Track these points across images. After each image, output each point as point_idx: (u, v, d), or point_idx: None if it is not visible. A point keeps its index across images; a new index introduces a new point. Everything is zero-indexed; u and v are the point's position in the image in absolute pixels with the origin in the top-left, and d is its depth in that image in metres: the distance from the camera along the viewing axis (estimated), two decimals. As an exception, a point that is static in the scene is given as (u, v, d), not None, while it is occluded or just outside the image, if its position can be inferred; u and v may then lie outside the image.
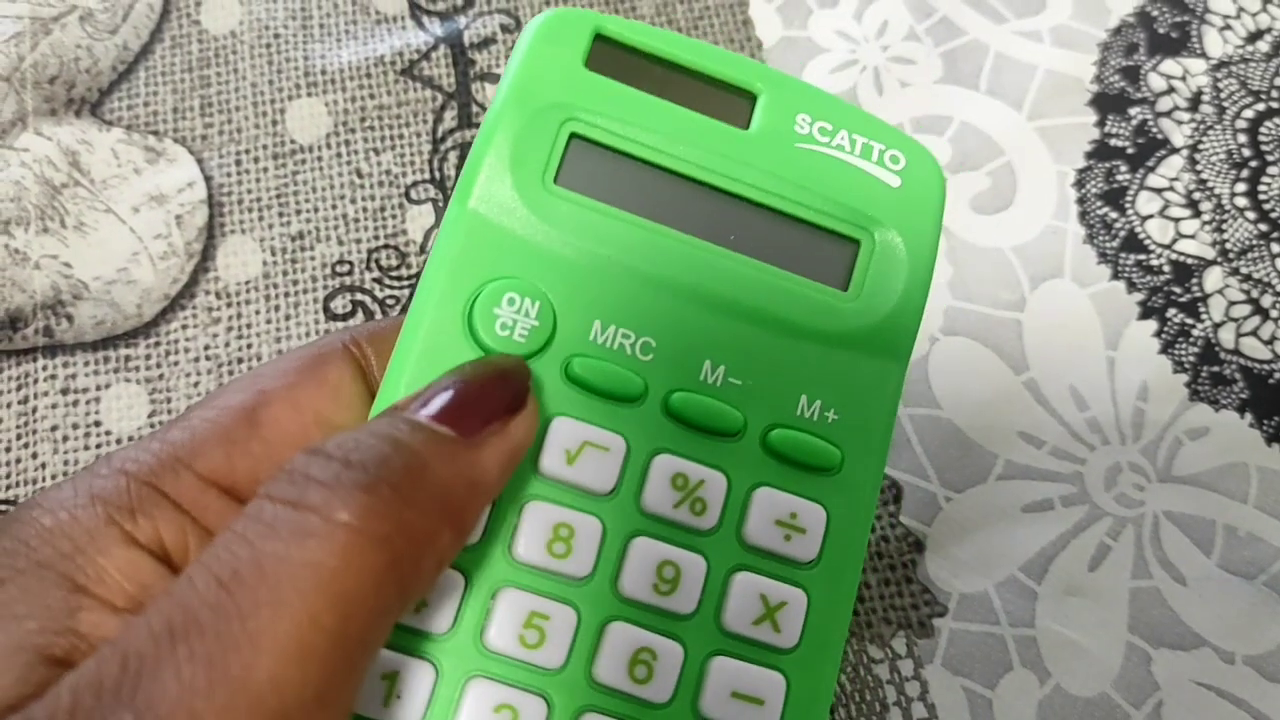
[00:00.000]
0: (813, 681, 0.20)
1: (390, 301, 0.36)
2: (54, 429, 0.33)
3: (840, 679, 0.32)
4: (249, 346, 0.35)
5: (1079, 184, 0.38)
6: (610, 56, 0.22)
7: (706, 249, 0.21)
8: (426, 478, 0.17)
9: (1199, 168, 0.39)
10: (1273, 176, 0.39)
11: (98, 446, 0.33)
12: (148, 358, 0.34)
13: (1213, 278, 0.37)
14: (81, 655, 0.17)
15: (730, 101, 0.22)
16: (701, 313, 0.21)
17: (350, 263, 0.36)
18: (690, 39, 0.23)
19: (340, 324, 0.35)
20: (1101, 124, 0.39)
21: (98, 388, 0.34)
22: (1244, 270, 0.37)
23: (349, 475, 0.16)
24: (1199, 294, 0.37)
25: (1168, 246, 0.38)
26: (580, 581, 0.20)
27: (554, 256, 0.21)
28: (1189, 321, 0.36)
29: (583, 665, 0.19)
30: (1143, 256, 0.37)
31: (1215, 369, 0.36)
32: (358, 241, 0.36)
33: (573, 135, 0.21)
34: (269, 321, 0.35)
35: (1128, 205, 0.38)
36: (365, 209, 0.37)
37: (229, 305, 0.35)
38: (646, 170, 0.21)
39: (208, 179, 0.37)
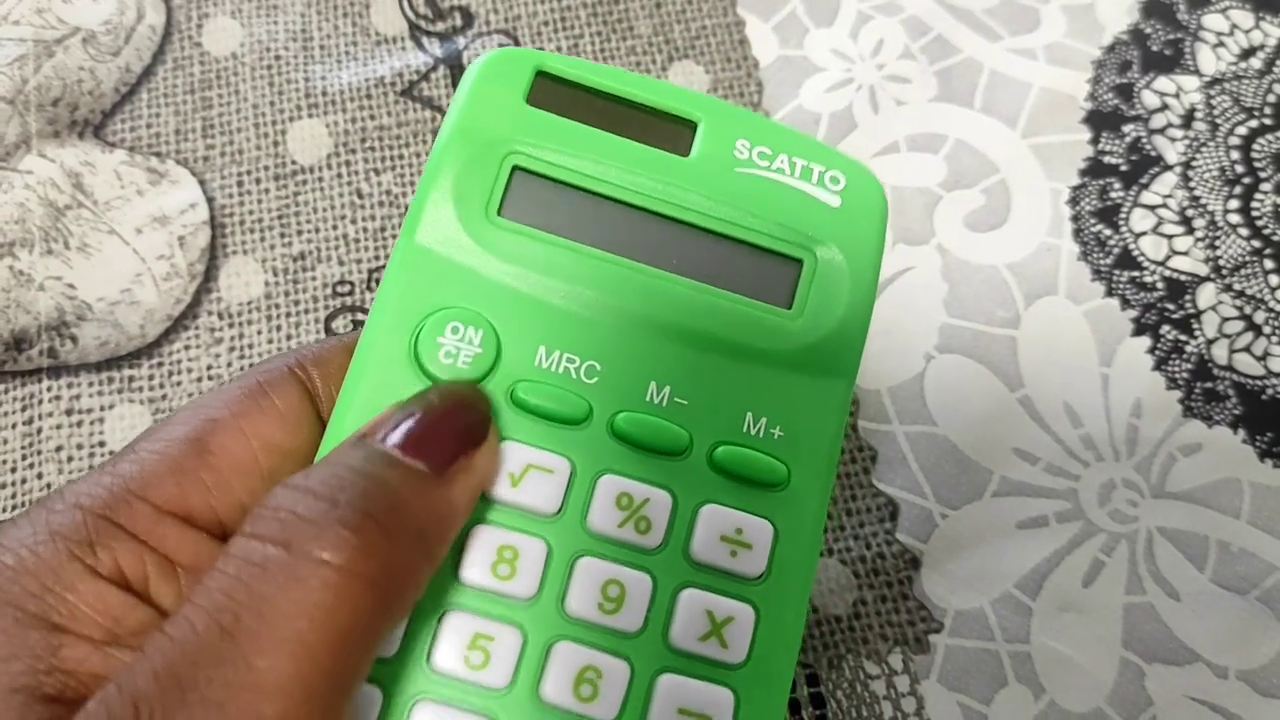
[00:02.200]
0: (763, 697, 0.20)
1: (391, 321, 0.36)
2: (59, 449, 0.34)
3: (837, 695, 0.32)
4: (251, 367, 0.35)
5: (1073, 201, 0.39)
6: (552, 92, 0.22)
7: (650, 273, 0.22)
8: (406, 515, 0.17)
9: (1192, 185, 0.39)
10: (1265, 193, 0.39)
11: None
12: (151, 378, 0.35)
13: (1206, 294, 0.37)
14: (73, 692, 0.17)
15: (670, 130, 0.23)
16: (646, 335, 0.21)
17: (351, 283, 0.36)
18: (630, 73, 0.23)
19: (341, 344, 0.36)
20: (1095, 141, 0.40)
21: (102, 408, 0.34)
22: (1237, 287, 0.38)
23: (336, 514, 0.16)
24: (1192, 310, 0.37)
25: (1161, 263, 0.38)
26: (526, 602, 0.20)
27: (498, 286, 0.21)
28: (1182, 338, 0.37)
29: (529, 685, 0.20)
30: (1136, 273, 0.38)
31: (1208, 385, 0.36)
32: (358, 261, 0.37)
33: (515, 168, 0.22)
34: (271, 342, 0.36)
35: (1121, 222, 0.38)
36: (366, 229, 0.37)
37: (231, 326, 0.36)
38: (588, 199, 0.22)
39: (210, 200, 0.37)
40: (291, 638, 0.15)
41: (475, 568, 0.20)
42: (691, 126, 0.23)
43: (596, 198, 0.22)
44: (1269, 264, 0.38)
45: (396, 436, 0.18)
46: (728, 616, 0.20)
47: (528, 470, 0.20)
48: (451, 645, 0.19)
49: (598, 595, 0.20)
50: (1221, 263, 0.38)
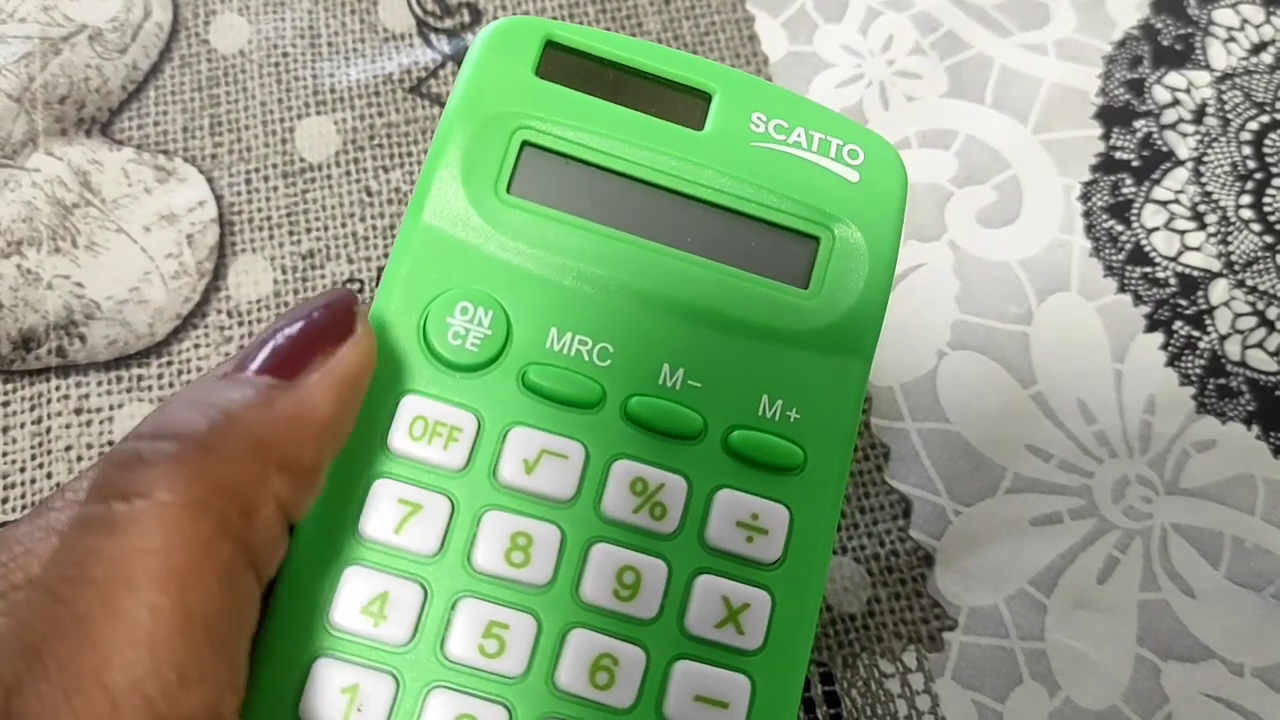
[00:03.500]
0: (779, 683, 0.20)
1: (401, 319, 0.36)
2: (68, 449, 0.34)
3: (852, 694, 0.32)
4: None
5: (1085, 197, 0.39)
6: (561, 63, 0.22)
7: (663, 252, 0.21)
8: (239, 430, 0.16)
9: (1204, 180, 0.39)
10: (1277, 188, 0.39)
11: (111, 466, 0.34)
12: (160, 377, 0.35)
13: (1219, 290, 0.37)
14: None
15: (684, 103, 0.22)
16: (659, 316, 0.21)
17: (361, 281, 0.36)
18: (643, 42, 0.23)
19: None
20: (1107, 137, 0.40)
21: (111, 407, 0.34)
22: (1250, 282, 0.37)
23: (153, 449, 0.16)
24: (1205, 306, 0.37)
25: (1173, 259, 0.38)
26: (540, 589, 0.20)
27: (508, 266, 0.21)
28: (1195, 334, 0.37)
29: (544, 673, 0.19)
30: (1149, 269, 0.38)
31: (1222, 381, 0.36)
32: (367, 259, 0.37)
33: (524, 143, 0.21)
34: (280, 340, 0.35)
35: (1133, 218, 0.38)
36: (375, 227, 0.37)
37: (240, 324, 0.35)
38: (600, 175, 0.22)
39: (218, 198, 0.37)
40: (119, 590, 0.15)
41: (489, 555, 0.20)
42: (706, 98, 0.22)
43: (608, 174, 0.22)
44: (1282, 259, 0.38)
45: (253, 363, 0.18)
46: (744, 603, 0.20)
47: (541, 456, 0.20)
48: (465, 633, 0.19)
49: (613, 582, 0.20)
50: (1234, 258, 0.38)
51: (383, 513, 0.20)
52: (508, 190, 0.21)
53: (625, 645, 0.20)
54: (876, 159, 0.22)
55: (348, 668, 0.19)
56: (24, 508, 0.33)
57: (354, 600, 0.19)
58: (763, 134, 0.22)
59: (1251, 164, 0.39)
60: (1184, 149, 0.39)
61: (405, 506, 0.20)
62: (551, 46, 0.22)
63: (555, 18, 0.40)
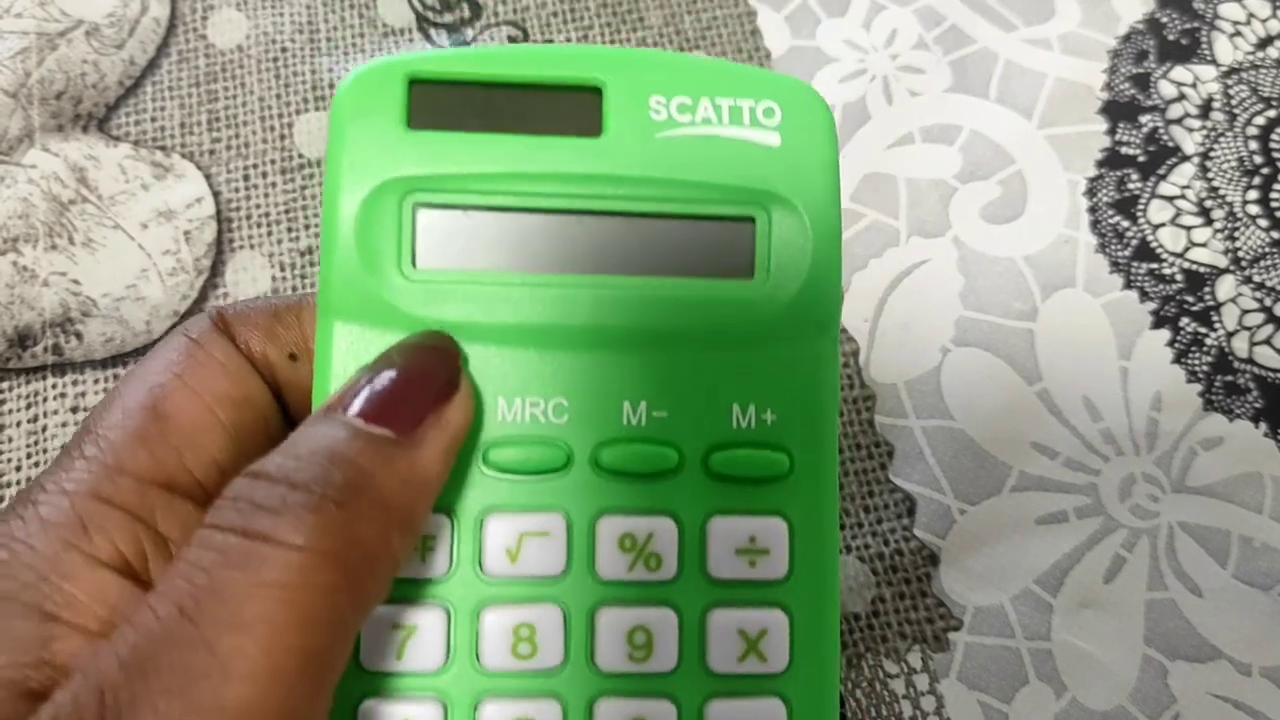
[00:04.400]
0: (814, 698, 0.20)
1: (400, 316, 0.36)
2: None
3: (856, 694, 0.32)
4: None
5: (1090, 192, 0.38)
6: (433, 101, 0.20)
7: (592, 283, 0.20)
8: (369, 488, 0.17)
9: (1210, 175, 0.39)
10: (1285, 184, 0.38)
11: (108, 465, 0.33)
12: (157, 375, 0.34)
13: (1225, 286, 0.37)
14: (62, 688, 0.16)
15: (575, 105, 0.20)
16: (606, 353, 0.20)
17: (359, 277, 0.36)
18: (514, 47, 0.21)
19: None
20: (1112, 132, 0.39)
21: (108, 405, 0.34)
22: (1257, 278, 0.37)
23: (294, 498, 0.16)
24: (1212, 303, 0.37)
25: (1180, 255, 0.37)
26: (555, 671, 0.19)
27: None
28: (1202, 330, 0.36)
29: None
30: (1155, 265, 0.37)
31: (1229, 378, 0.36)
32: (367, 256, 0.36)
33: (416, 207, 0.20)
34: (279, 337, 0.35)
35: (1139, 214, 0.38)
36: (374, 223, 0.37)
37: (238, 321, 0.35)
38: (506, 219, 0.20)
39: (216, 194, 0.37)
40: (254, 619, 0.15)
41: (496, 654, 0.19)
42: (596, 93, 0.20)
43: (514, 214, 0.20)
44: (1289, 255, 0.37)
45: (360, 404, 0.18)
46: (761, 629, 0.20)
47: (523, 541, 0.19)
48: None
49: (625, 645, 0.19)
50: (1241, 254, 0.37)
51: (380, 642, 0.19)
52: (414, 264, 0.20)
53: (653, 703, 0.19)
54: (795, 111, 0.20)
55: (394, 705, 0.19)
56: (20, 507, 0.33)
57: None
58: (666, 120, 0.20)
59: (1258, 159, 0.39)
60: (1190, 144, 0.39)
61: (400, 631, 0.19)
62: (417, 85, 0.20)
63: (555, 14, 0.40)
